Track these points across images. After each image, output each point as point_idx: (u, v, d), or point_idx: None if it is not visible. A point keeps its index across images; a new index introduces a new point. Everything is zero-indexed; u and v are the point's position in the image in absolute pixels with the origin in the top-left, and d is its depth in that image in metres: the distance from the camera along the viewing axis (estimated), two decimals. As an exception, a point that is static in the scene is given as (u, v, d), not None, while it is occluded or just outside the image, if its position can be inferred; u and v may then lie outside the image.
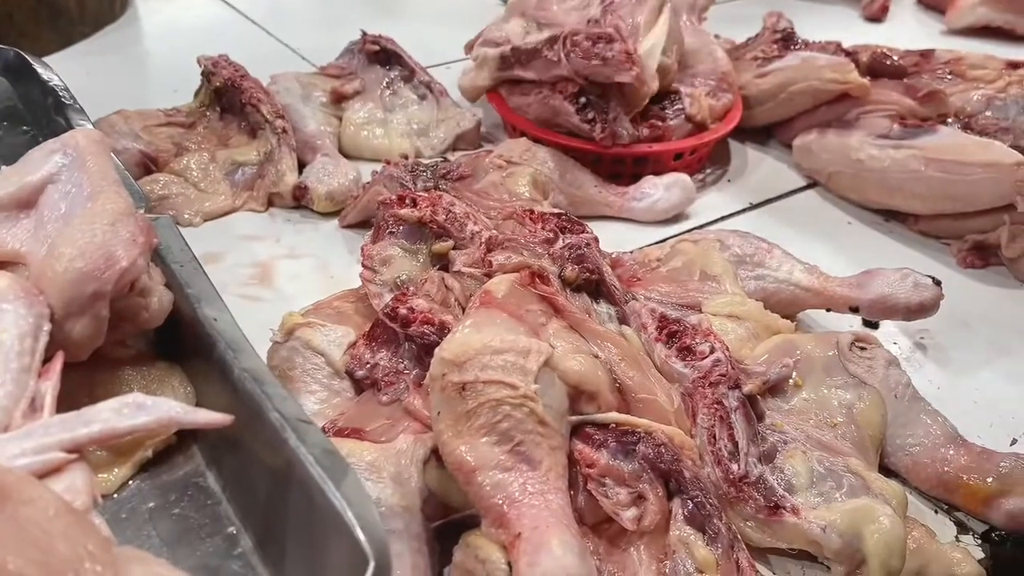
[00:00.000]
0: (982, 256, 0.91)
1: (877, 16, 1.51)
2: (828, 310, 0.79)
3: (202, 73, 1.04)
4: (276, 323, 0.74)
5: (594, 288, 0.72)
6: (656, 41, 0.96)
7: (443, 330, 0.66)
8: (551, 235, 0.72)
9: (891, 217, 0.98)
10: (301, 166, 0.98)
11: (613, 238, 0.93)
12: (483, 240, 0.74)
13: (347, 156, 1.03)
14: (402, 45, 1.15)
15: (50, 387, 0.44)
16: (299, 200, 0.94)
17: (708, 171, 1.06)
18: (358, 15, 1.44)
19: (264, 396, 0.47)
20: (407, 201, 0.76)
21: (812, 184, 1.05)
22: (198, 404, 0.51)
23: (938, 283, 0.77)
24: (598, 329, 0.66)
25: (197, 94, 1.05)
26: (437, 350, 0.59)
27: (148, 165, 0.95)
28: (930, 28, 1.50)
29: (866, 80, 1.01)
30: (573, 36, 0.93)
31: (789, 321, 0.77)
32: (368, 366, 0.67)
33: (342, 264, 0.87)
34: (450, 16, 1.46)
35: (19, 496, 0.34)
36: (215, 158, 0.96)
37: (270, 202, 0.95)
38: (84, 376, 0.50)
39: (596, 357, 0.63)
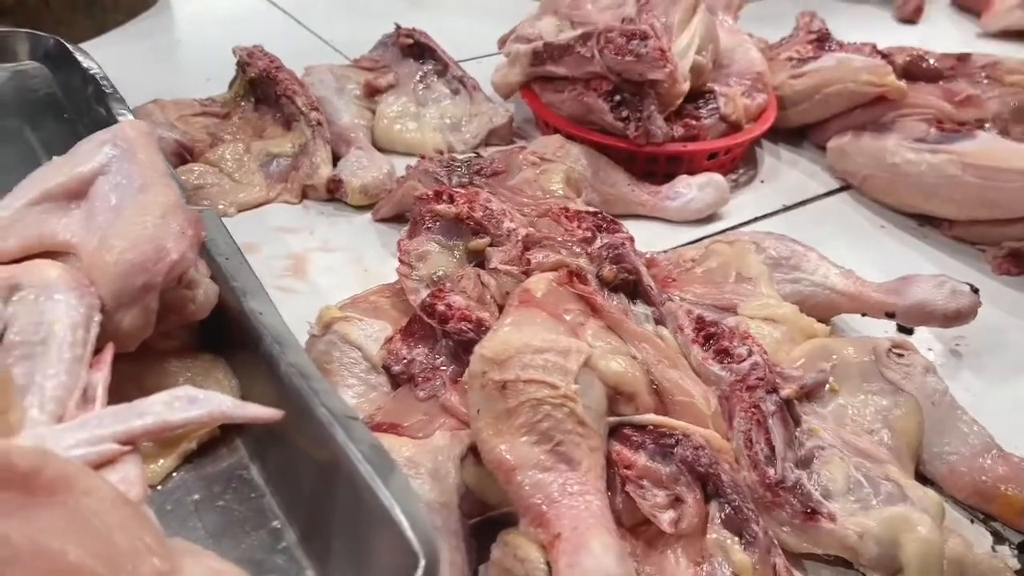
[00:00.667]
0: (1017, 263, 0.91)
1: (911, 18, 1.50)
2: (864, 315, 0.79)
3: (237, 63, 1.04)
4: (311, 316, 0.75)
5: (631, 288, 0.72)
6: (690, 40, 0.96)
7: (480, 327, 0.66)
8: (588, 234, 0.72)
9: (925, 222, 0.97)
10: (335, 158, 0.98)
11: (646, 237, 0.93)
12: (519, 238, 0.74)
13: (380, 149, 1.03)
14: (433, 37, 1.15)
15: (102, 378, 0.45)
16: (333, 193, 0.94)
17: (741, 171, 1.06)
18: (388, 7, 1.44)
19: (311, 392, 0.47)
20: (444, 197, 0.77)
21: (846, 187, 1.04)
22: (243, 398, 0.51)
23: (975, 290, 0.76)
24: (636, 330, 0.66)
25: (232, 84, 1.05)
26: (477, 347, 0.59)
27: (183, 155, 0.95)
28: (965, 31, 1.49)
29: (903, 83, 1.00)
30: (607, 32, 0.93)
31: (825, 325, 0.77)
32: (405, 361, 0.67)
33: (376, 257, 0.88)
34: (480, 10, 1.46)
35: (80, 487, 0.34)
36: (250, 149, 0.96)
37: (304, 194, 0.95)
38: (131, 367, 0.51)
39: (634, 358, 0.63)
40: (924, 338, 0.82)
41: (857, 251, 0.94)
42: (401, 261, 0.74)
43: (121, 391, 0.48)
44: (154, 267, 0.47)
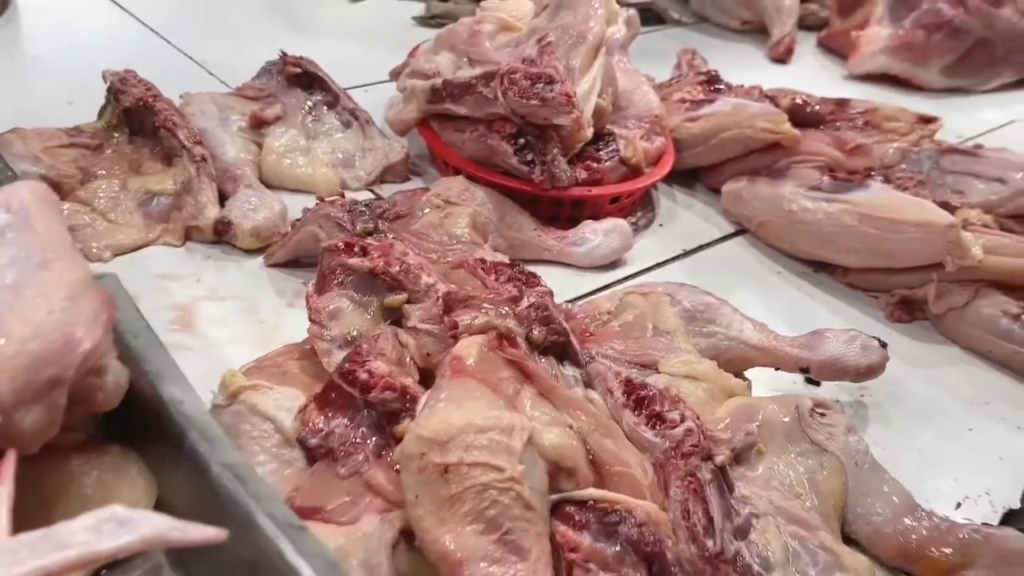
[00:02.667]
0: (909, 311, 0.94)
1: (782, 57, 1.54)
2: (777, 369, 0.79)
3: (108, 90, 0.96)
4: (207, 376, 0.69)
5: (559, 350, 0.69)
6: (592, 83, 0.94)
7: (405, 396, 0.62)
8: (516, 292, 0.69)
9: (819, 268, 0.99)
10: (220, 197, 0.91)
11: (555, 284, 0.90)
12: (439, 294, 0.70)
13: (268, 186, 0.97)
14: (318, 62, 1.09)
15: (4, 494, 0.38)
16: (221, 236, 0.87)
17: (640, 214, 1.05)
18: (266, 30, 1.37)
19: (251, 497, 0.42)
20: (356, 249, 0.72)
21: (741, 231, 1.05)
22: (162, 498, 0.45)
23: (884, 345, 0.78)
24: (569, 396, 0.63)
25: (103, 113, 0.96)
26: (413, 426, 0.55)
27: (49, 191, 0.86)
28: (831, 72, 1.55)
29: (797, 131, 1.02)
30: (511, 74, 0.90)
31: (743, 381, 0.77)
32: (322, 434, 0.62)
33: (272, 307, 0.82)
34: (364, 35, 1.41)
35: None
36: (126, 186, 0.88)
37: (187, 236, 0.88)
38: (27, 469, 0.44)
39: (570, 428, 0.61)
40: (829, 390, 0.83)
41: (756, 297, 0.94)
42: (312, 320, 0.69)
43: (20, 498, 0.41)
44: (64, 359, 0.40)
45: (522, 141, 0.93)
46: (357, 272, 0.71)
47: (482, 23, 1.03)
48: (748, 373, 0.81)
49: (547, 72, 0.90)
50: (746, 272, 0.99)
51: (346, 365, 0.63)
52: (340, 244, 0.72)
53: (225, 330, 0.79)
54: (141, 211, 0.87)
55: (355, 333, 0.69)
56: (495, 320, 0.66)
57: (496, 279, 0.75)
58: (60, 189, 0.87)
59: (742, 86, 1.19)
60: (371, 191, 1.01)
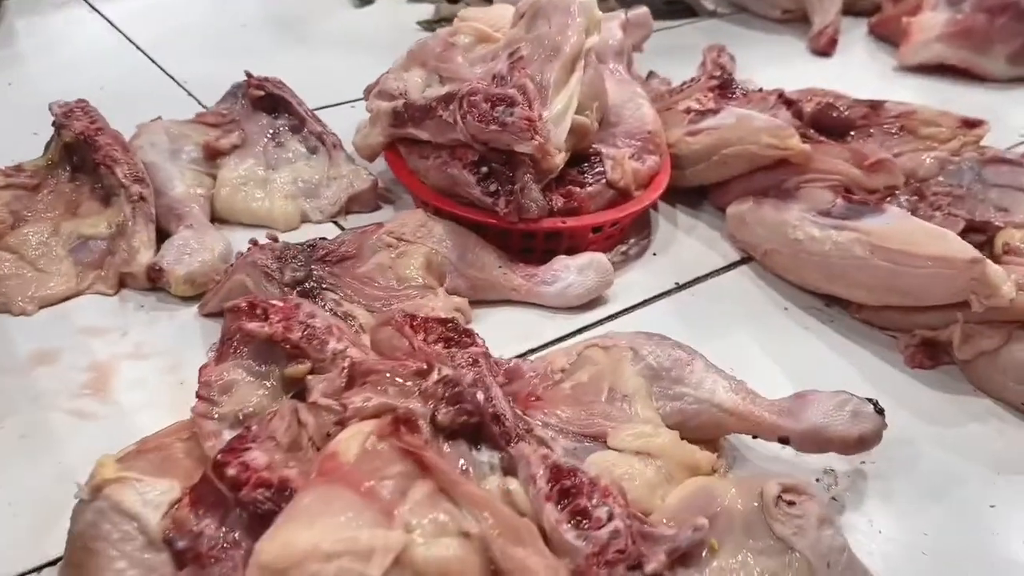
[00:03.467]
0: (932, 355, 0.81)
1: (825, 50, 1.40)
2: (754, 436, 0.68)
3: (53, 124, 0.90)
4: (107, 449, 0.62)
5: (473, 431, 0.60)
6: (567, 102, 0.84)
7: (283, 492, 0.54)
8: (424, 366, 0.60)
9: (833, 302, 0.87)
10: (164, 236, 0.85)
11: (519, 330, 0.82)
12: (345, 365, 0.61)
13: (222, 221, 0.91)
14: (307, 79, 1.02)
15: None
16: (155, 282, 0.81)
17: (632, 242, 0.95)
18: (255, 44, 1.30)
19: None
20: (258, 311, 0.64)
21: (748, 258, 0.94)
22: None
23: (880, 411, 0.66)
24: (473, 492, 0.54)
25: (47, 147, 0.91)
26: (256, 547, 0.47)
27: (-22, 239, 0.81)
28: (882, 64, 1.40)
29: (807, 146, 0.90)
30: (471, 96, 0.81)
31: (710, 453, 0.66)
32: (192, 534, 0.55)
33: (195, 366, 0.72)
34: (364, 43, 1.33)
35: None
36: (58, 230, 0.83)
37: (122, 283, 0.82)
38: None
39: (467, 535, 0.52)
40: (824, 456, 0.71)
41: (757, 337, 0.84)
42: (199, 396, 0.61)
43: None
44: None
45: (485, 169, 0.83)
46: (256, 338, 0.63)
47: (457, 35, 0.94)
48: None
49: (508, 94, 0.81)
50: (748, 308, 0.88)
51: (219, 456, 0.55)
52: (242, 304, 0.64)
53: (141, 393, 0.72)
54: (72, 257, 0.82)
55: (249, 410, 0.61)
56: (393, 401, 0.58)
57: (425, 338, 0.66)
58: (-11, 235, 0.82)
59: (760, 90, 1.07)
60: (335, 223, 0.94)
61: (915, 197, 0.91)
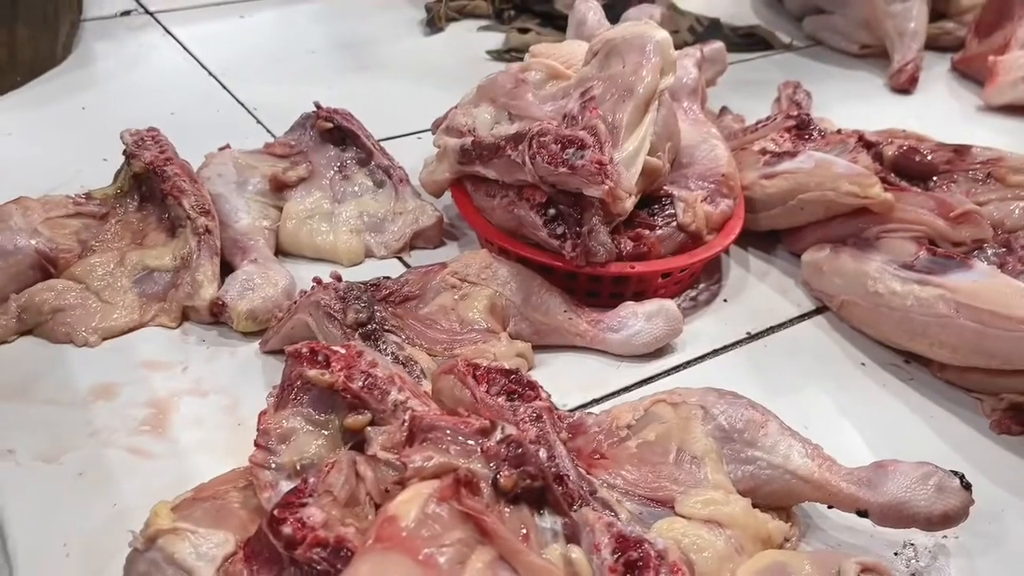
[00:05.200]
0: (1020, 420, 0.77)
1: (905, 87, 1.36)
2: (829, 507, 0.65)
3: (124, 152, 0.90)
4: (164, 491, 0.61)
5: (537, 495, 0.57)
6: (639, 144, 0.81)
7: (339, 551, 0.52)
8: (487, 424, 0.58)
9: (912, 358, 0.83)
10: (229, 269, 0.84)
11: (584, 377, 0.79)
12: (406, 418, 0.60)
13: (286, 254, 0.90)
14: (373, 108, 1.01)
15: None
16: (217, 317, 0.80)
17: (702, 287, 0.92)
18: (327, 71, 1.30)
19: None
20: (319, 357, 0.63)
21: (822, 308, 0.90)
22: None
23: (968, 486, 0.62)
24: (535, 563, 0.52)
25: (117, 176, 0.91)
26: (310, 617, 0.45)
27: (46, 267, 0.81)
28: (965, 103, 1.35)
29: (889, 196, 0.86)
30: (541, 137, 0.79)
31: (784, 524, 0.63)
32: (244, 592, 0.53)
33: (254, 405, 0.72)
34: (431, 72, 1.32)
35: None
36: (124, 261, 0.83)
37: (185, 316, 0.82)
38: None
39: (526, 609, 0.50)
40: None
41: (831, 394, 0.80)
42: (257, 445, 0.60)
43: None
44: None
45: (553, 211, 0.81)
46: (317, 385, 0.61)
47: (528, 71, 0.92)
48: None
49: (579, 136, 0.78)
50: (822, 362, 0.84)
51: (275, 512, 0.54)
52: (304, 350, 0.63)
53: (198, 432, 0.71)
54: (136, 289, 0.82)
55: (307, 461, 0.60)
56: (455, 460, 0.56)
57: (488, 389, 0.64)
58: (56, 264, 0.82)
59: (838, 132, 1.04)
60: (399, 258, 0.92)
61: (1003, 249, 0.87)
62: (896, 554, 0.65)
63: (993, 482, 0.72)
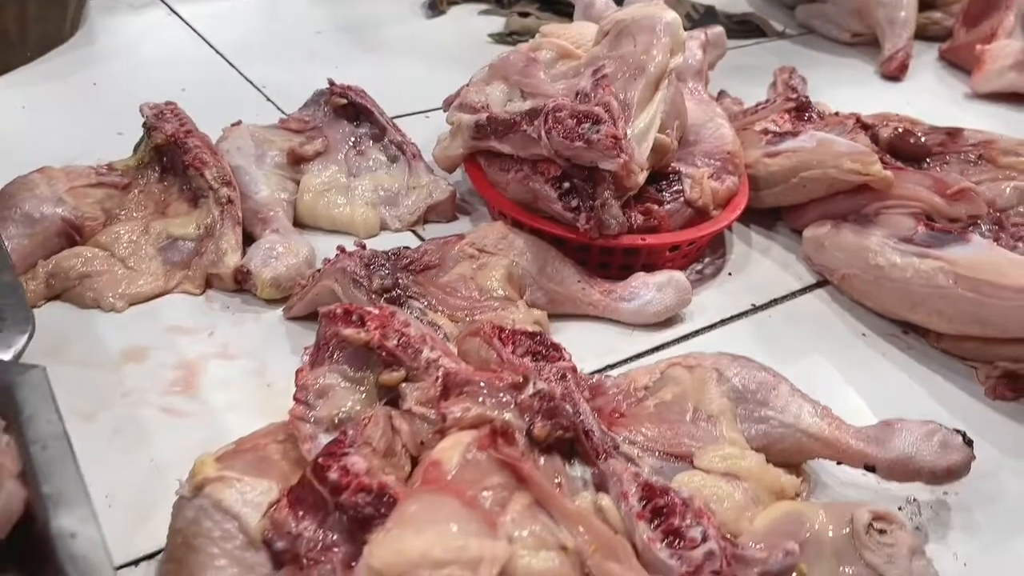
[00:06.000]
0: (1013, 387, 0.80)
1: (895, 75, 1.39)
2: (839, 463, 0.68)
3: (143, 125, 0.92)
4: (201, 447, 0.63)
5: (567, 446, 0.60)
6: (650, 120, 0.84)
7: (382, 497, 0.54)
8: (520, 378, 0.61)
9: (911, 329, 0.87)
10: (249, 240, 0.86)
11: (597, 345, 0.82)
12: (439, 374, 0.62)
13: (303, 226, 0.92)
14: (381, 88, 1.03)
15: None
16: (241, 285, 0.82)
17: (707, 261, 0.95)
18: (335, 51, 1.32)
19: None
20: (354, 317, 0.65)
21: (823, 282, 0.93)
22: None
23: (969, 442, 0.66)
24: (569, 508, 0.55)
25: (137, 148, 0.93)
26: (365, 551, 0.48)
27: (72, 235, 0.83)
28: (953, 90, 1.39)
29: (889, 173, 0.89)
30: (556, 112, 0.82)
31: (795, 478, 0.66)
32: (290, 536, 0.56)
33: (281, 369, 0.76)
34: (434, 54, 1.34)
35: None
36: (148, 229, 0.84)
37: (208, 283, 0.84)
38: None
39: (564, 549, 0.52)
40: (906, 485, 0.71)
41: (834, 363, 0.83)
42: (296, 399, 0.62)
43: None
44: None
45: (567, 185, 0.84)
46: (352, 344, 0.64)
47: (539, 50, 0.94)
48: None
49: (594, 111, 0.81)
50: (825, 332, 0.87)
51: (319, 460, 0.56)
52: (338, 311, 0.65)
53: (228, 394, 0.73)
54: (161, 257, 0.83)
55: (344, 415, 0.62)
56: (491, 412, 0.58)
57: (513, 350, 0.67)
58: (82, 232, 0.84)
59: (836, 114, 1.07)
60: (413, 232, 0.95)
61: (995, 227, 0.91)
62: (900, 508, 0.69)
63: (989, 443, 0.75)
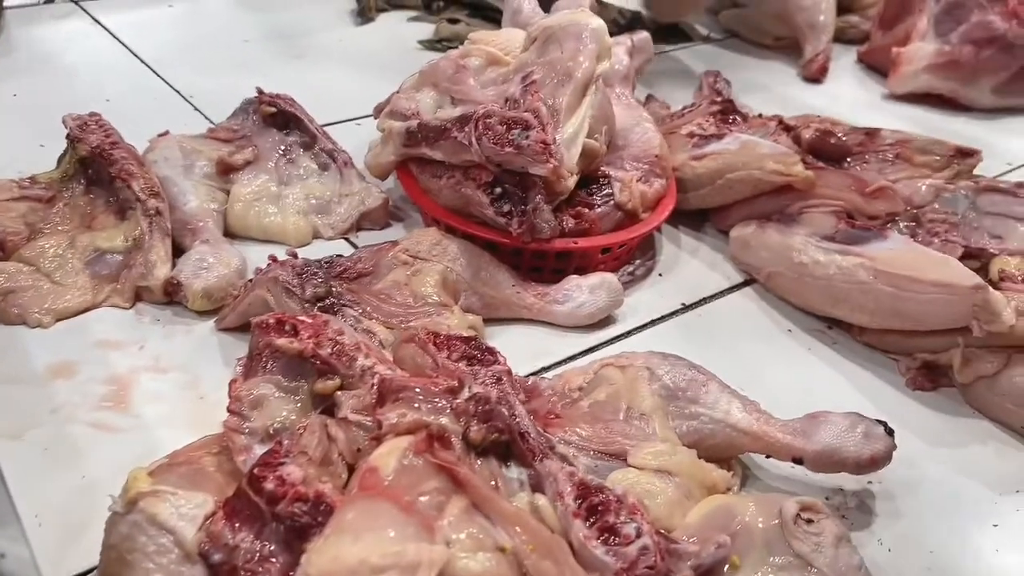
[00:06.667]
0: (932, 378, 0.84)
1: (816, 77, 1.43)
2: (768, 456, 0.70)
3: (67, 137, 0.90)
4: (133, 463, 0.63)
5: (503, 448, 0.61)
6: (579, 126, 0.86)
7: (319, 506, 0.55)
8: (455, 383, 0.61)
9: (835, 324, 0.90)
10: (179, 251, 0.85)
11: (532, 348, 0.83)
12: (375, 381, 0.62)
13: (234, 236, 0.91)
14: (311, 95, 1.03)
15: None
16: (172, 297, 0.81)
17: (638, 262, 0.97)
18: (265, 60, 1.31)
19: None
20: (287, 327, 0.65)
21: (750, 280, 0.96)
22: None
23: (890, 432, 0.68)
24: (506, 508, 0.56)
25: (61, 160, 0.91)
26: (303, 560, 0.48)
27: (-7, 250, 0.81)
28: (871, 91, 1.44)
29: (810, 173, 0.92)
30: (486, 118, 0.82)
31: (726, 471, 0.68)
32: (227, 548, 0.55)
33: (214, 381, 0.75)
34: (364, 61, 1.34)
35: None
36: (74, 243, 0.83)
37: (138, 296, 0.82)
38: None
39: (502, 550, 0.53)
40: (832, 476, 0.73)
41: (762, 358, 0.86)
42: (230, 411, 0.62)
43: None
44: None
45: (499, 190, 0.85)
46: (286, 354, 0.64)
47: (468, 57, 0.95)
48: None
49: (523, 117, 0.82)
50: (753, 329, 0.90)
51: (255, 470, 0.56)
52: (270, 320, 0.65)
53: (161, 407, 0.73)
54: (88, 271, 0.82)
55: (279, 425, 0.62)
56: (427, 417, 0.59)
57: (448, 355, 0.68)
58: (4, 247, 0.82)
59: (759, 116, 1.10)
60: (347, 239, 0.94)
61: (912, 223, 0.94)
62: (827, 499, 0.71)
63: (910, 432, 0.78)
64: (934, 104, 1.39)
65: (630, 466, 0.65)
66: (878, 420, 0.69)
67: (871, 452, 0.67)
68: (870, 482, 0.73)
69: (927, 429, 0.79)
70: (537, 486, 0.60)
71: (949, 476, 0.75)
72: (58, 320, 0.79)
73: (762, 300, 0.93)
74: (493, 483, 0.59)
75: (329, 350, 0.64)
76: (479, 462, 0.59)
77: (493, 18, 1.42)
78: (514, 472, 0.61)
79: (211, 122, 1.10)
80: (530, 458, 0.61)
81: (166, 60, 1.27)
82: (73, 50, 1.27)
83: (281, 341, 0.64)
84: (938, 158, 1.02)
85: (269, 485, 0.55)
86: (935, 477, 0.75)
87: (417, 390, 0.61)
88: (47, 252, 0.82)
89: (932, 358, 0.83)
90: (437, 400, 0.60)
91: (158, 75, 1.23)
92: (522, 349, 0.82)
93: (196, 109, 1.15)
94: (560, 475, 0.60)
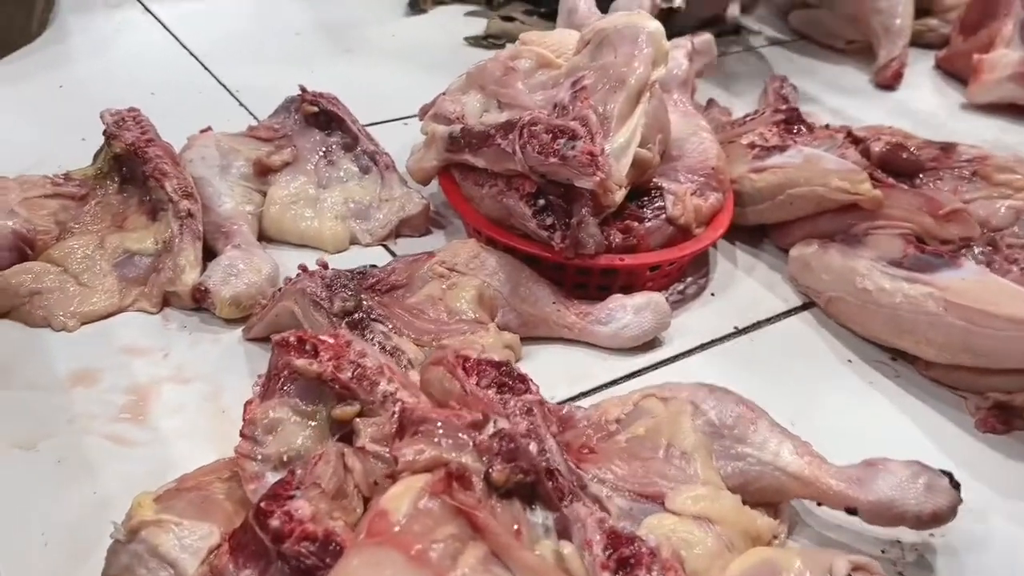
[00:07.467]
0: (1005, 419, 0.77)
1: (890, 84, 1.36)
2: (819, 504, 0.65)
3: (104, 133, 0.88)
4: (146, 480, 0.60)
5: (528, 490, 0.57)
6: (630, 136, 0.80)
7: (327, 546, 0.51)
8: (480, 417, 0.57)
9: (899, 355, 0.83)
10: (212, 254, 0.83)
11: (571, 370, 0.79)
12: (396, 410, 0.59)
13: (269, 240, 0.89)
14: (358, 92, 1.00)
15: None
16: (199, 303, 0.79)
17: (689, 280, 0.91)
18: (314, 53, 1.28)
19: None
20: (307, 347, 0.61)
21: (809, 304, 0.90)
22: None
23: (956, 485, 0.62)
24: (527, 559, 0.51)
25: (97, 156, 0.89)
26: (300, 614, 0.44)
27: (23, 249, 0.80)
28: (949, 100, 1.35)
29: (879, 193, 0.86)
30: (531, 126, 0.78)
31: (773, 520, 0.63)
32: (229, 585, 0.52)
33: (238, 394, 0.72)
34: (414, 56, 1.30)
35: None
36: (104, 244, 0.81)
37: (165, 301, 0.80)
38: None
39: (519, 606, 0.49)
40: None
41: (819, 389, 0.80)
42: (243, 435, 0.59)
43: None
44: None
45: (542, 202, 0.80)
46: (304, 376, 0.60)
47: (518, 59, 0.91)
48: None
49: (570, 127, 0.77)
50: (810, 357, 0.84)
51: (261, 504, 0.52)
52: (291, 339, 0.62)
53: (180, 420, 0.70)
54: (116, 273, 0.80)
55: (293, 452, 0.59)
56: (446, 454, 0.55)
57: (478, 381, 0.63)
58: (34, 246, 0.80)
59: (827, 126, 1.04)
60: (384, 246, 0.91)
61: (989, 248, 0.87)
62: (883, 552, 0.66)
63: (978, 480, 0.72)
64: (1017, 116, 1.30)
65: (668, 510, 0.61)
66: (943, 471, 0.63)
67: (933, 507, 0.61)
68: (931, 535, 0.67)
69: (997, 477, 0.73)
70: (564, 532, 0.56)
71: (1021, 531, 0.69)
72: (83, 324, 0.77)
73: (821, 326, 0.87)
74: (515, 528, 0.54)
75: (350, 373, 0.60)
76: (500, 504, 0.55)
77: (549, 16, 1.37)
78: (539, 516, 0.56)
79: (255, 118, 1.08)
80: (557, 500, 0.56)
81: (215, 53, 1.24)
82: (123, 40, 1.26)
83: (300, 362, 0.60)
84: (1020, 177, 0.94)
85: (275, 522, 0.51)
86: (1005, 533, 0.68)
87: (439, 423, 0.56)
88: (76, 253, 0.80)
89: (1006, 398, 0.76)
90: (459, 435, 0.56)
91: (206, 68, 1.21)
92: (560, 371, 0.78)
93: (241, 104, 1.13)
94: (589, 521, 0.55)
